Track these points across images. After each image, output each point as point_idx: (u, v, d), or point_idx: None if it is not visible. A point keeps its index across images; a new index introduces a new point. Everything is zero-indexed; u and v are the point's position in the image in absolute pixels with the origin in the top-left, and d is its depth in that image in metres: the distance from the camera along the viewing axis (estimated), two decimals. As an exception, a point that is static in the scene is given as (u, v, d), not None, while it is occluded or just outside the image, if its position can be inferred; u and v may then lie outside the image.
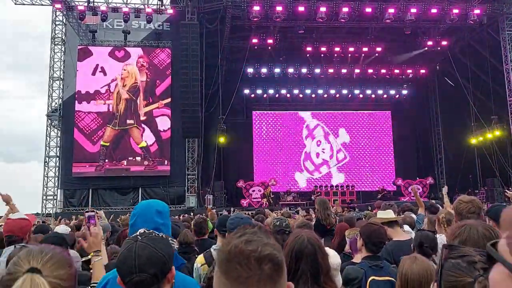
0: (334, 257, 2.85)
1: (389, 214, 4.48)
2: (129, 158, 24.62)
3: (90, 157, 24.32)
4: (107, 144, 24.47)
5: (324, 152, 31.25)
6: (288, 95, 30.96)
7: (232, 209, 19.42)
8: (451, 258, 1.51)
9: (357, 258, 4.02)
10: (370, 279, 3.20)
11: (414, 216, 6.18)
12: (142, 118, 25.02)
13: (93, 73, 25.09)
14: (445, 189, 8.03)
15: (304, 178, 30.32)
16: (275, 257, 1.16)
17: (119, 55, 25.41)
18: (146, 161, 24.57)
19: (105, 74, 25.15)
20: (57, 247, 1.51)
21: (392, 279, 3.23)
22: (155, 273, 1.73)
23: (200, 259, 3.91)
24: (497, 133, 25.22)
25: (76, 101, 24.75)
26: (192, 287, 2.33)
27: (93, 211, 4.18)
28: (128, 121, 24.76)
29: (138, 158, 24.64)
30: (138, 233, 1.89)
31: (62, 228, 5.77)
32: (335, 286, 2.35)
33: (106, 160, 24.38)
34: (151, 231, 1.91)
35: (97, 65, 25.14)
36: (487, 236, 2.04)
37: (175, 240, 2.08)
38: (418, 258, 2.54)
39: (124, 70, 25.14)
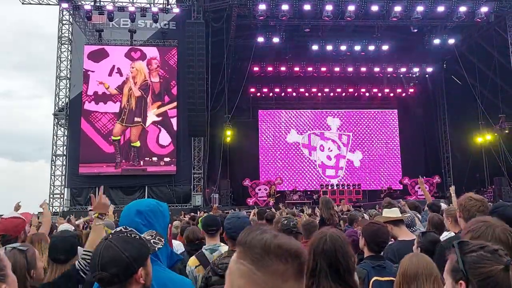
0: None
1: (394, 213, 4.43)
2: (146, 158, 24.70)
3: (108, 157, 24.47)
4: (118, 138, 24.61)
5: (331, 150, 31.19)
6: (294, 94, 30.93)
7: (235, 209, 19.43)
8: (471, 251, 1.51)
9: None
10: (373, 279, 3.17)
11: (418, 215, 6.12)
12: (157, 119, 25.08)
13: (110, 74, 25.18)
14: (452, 189, 7.97)
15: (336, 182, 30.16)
16: (304, 252, 1.17)
17: (135, 55, 25.45)
18: (132, 161, 24.63)
19: (121, 75, 25.23)
20: None
21: (395, 279, 3.20)
22: (116, 273, 1.78)
23: (193, 261, 3.86)
24: (505, 131, 25.02)
25: (93, 102, 24.86)
26: (181, 287, 2.30)
27: None
28: (136, 119, 24.86)
29: (155, 159, 24.72)
30: (112, 231, 1.92)
31: (66, 227, 5.79)
32: (356, 285, 2.35)
33: (123, 160, 24.57)
34: (130, 229, 1.93)
35: (114, 66, 25.24)
36: (503, 240, 1.99)
37: (161, 240, 2.08)
38: (418, 254, 2.54)
39: (133, 68, 25.19)
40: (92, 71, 25.06)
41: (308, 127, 31.26)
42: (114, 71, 25.19)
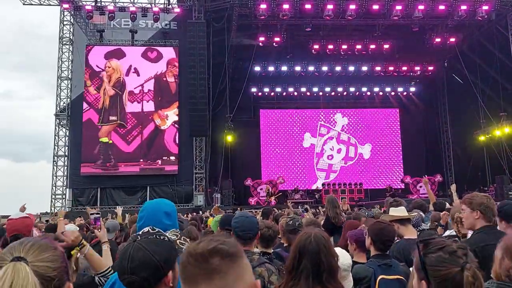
0: (344, 258, 2.84)
1: (401, 212, 4.39)
2: (164, 157, 24.73)
3: (127, 157, 24.49)
4: (106, 139, 24.51)
5: (333, 149, 31.27)
6: (295, 93, 30.95)
7: (238, 208, 19.43)
8: (430, 252, 1.54)
9: (358, 257, 3.99)
10: (379, 278, 3.18)
11: (422, 214, 6.12)
12: (177, 118, 25.02)
13: (127, 74, 25.22)
14: (453, 187, 7.98)
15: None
16: (221, 249, 1.16)
17: (151, 56, 25.44)
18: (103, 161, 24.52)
19: (138, 74, 25.24)
20: (38, 237, 1.53)
21: (401, 277, 3.21)
22: (147, 277, 1.74)
23: None
24: (506, 129, 25.00)
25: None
26: None
27: (98, 213, 4.22)
28: (111, 118, 24.72)
29: (173, 158, 24.76)
30: (140, 232, 1.89)
31: (69, 227, 5.79)
32: (338, 286, 2.37)
33: (141, 160, 24.57)
34: (157, 230, 1.90)
35: (130, 66, 25.27)
36: None
37: (187, 241, 2.07)
38: None
39: (109, 67, 25.07)
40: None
41: (308, 126, 31.27)
42: (131, 71, 25.23)
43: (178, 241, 2.03)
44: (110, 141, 24.50)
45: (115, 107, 24.79)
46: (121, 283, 1.82)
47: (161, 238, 1.87)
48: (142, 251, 1.77)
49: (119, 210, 6.60)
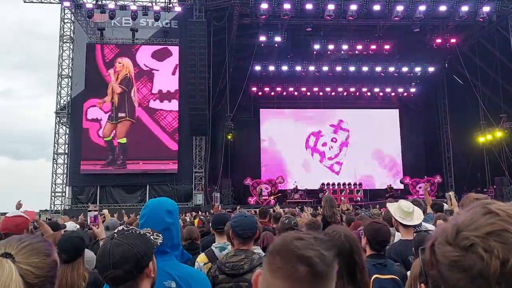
0: None
1: (408, 215, 4.34)
2: None
3: (174, 155, 24.69)
4: (109, 138, 24.57)
5: (333, 145, 31.33)
6: (296, 93, 30.95)
7: (238, 207, 19.44)
8: None
9: None
10: (373, 277, 3.19)
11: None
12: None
13: (173, 73, 25.37)
14: (452, 193, 8.08)
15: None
16: (315, 263, 1.08)
17: None
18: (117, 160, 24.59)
19: None
20: (39, 237, 1.52)
21: (396, 277, 3.23)
22: (130, 269, 1.79)
23: (202, 257, 3.88)
24: (506, 131, 24.99)
25: (158, 100, 25.16)
26: (200, 281, 2.37)
27: (96, 210, 4.24)
28: (120, 114, 24.80)
29: None
30: (116, 231, 1.95)
31: (70, 225, 5.83)
32: (368, 285, 2.35)
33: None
34: (131, 228, 1.96)
35: (177, 65, 25.40)
36: None
37: (160, 236, 2.12)
38: None
39: (119, 63, 25.13)
40: (157, 70, 25.29)
41: (308, 126, 31.30)
42: (177, 70, 25.37)
43: (151, 236, 2.08)
44: (124, 139, 24.63)
45: (124, 104, 24.87)
46: (104, 280, 1.86)
47: (137, 232, 1.93)
48: (121, 246, 1.82)
49: (105, 211, 6.72)
